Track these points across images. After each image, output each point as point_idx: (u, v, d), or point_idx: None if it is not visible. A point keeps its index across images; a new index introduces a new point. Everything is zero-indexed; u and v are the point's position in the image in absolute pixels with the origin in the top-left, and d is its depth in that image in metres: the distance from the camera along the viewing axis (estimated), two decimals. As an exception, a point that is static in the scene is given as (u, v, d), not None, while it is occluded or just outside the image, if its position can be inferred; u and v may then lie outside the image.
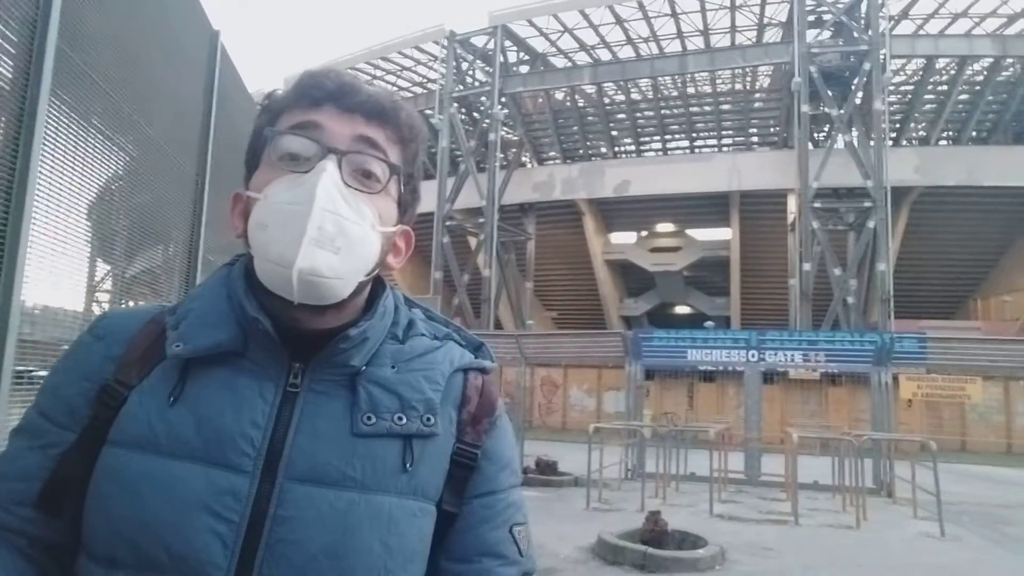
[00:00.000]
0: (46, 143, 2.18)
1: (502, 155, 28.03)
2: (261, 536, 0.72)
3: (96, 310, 3.19)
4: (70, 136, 2.44)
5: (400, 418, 0.79)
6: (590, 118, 31.37)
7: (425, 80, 31.31)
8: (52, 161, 2.28)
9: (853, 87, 22.67)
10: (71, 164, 2.46)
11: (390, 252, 0.86)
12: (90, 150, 2.62)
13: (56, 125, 2.28)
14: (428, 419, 0.81)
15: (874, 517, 9.04)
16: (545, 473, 11.57)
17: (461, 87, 28.24)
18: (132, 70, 2.88)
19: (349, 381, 0.80)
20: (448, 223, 27.00)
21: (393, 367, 0.83)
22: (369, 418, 0.78)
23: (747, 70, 27.87)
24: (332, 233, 0.75)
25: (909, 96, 28.34)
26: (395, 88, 32.09)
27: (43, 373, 2.27)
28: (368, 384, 0.80)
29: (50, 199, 2.28)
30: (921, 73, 26.76)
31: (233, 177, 3.70)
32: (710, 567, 6.57)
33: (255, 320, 0.78)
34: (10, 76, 2.06)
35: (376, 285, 0.88)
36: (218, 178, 3.89)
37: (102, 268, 3.30)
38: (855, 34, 23.41)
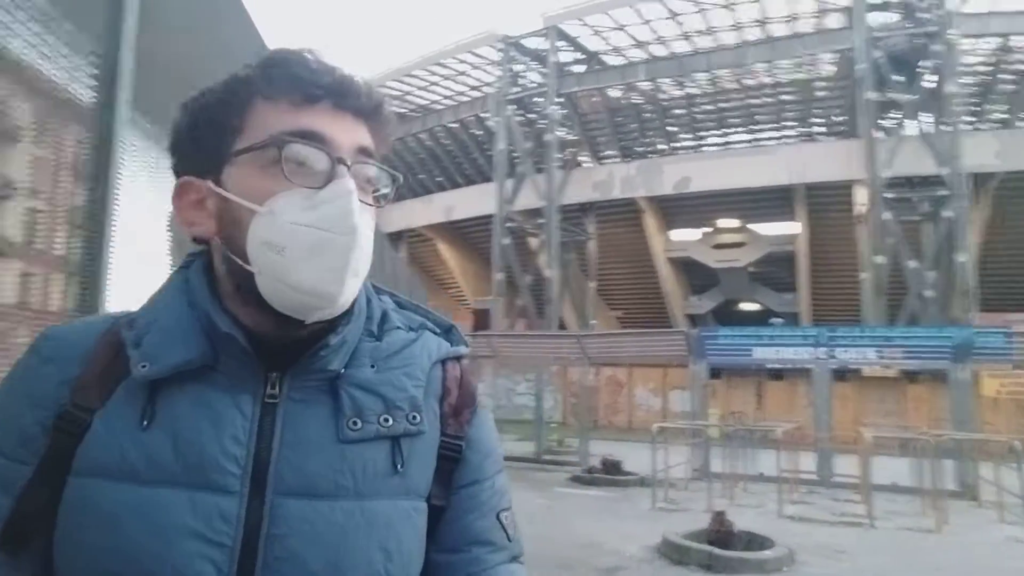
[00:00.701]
0: (122, 163, 2.33)
1: (560, 155, 28.01)
2: (257, 557, 0.69)
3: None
4: (146, 157, 2.61)
5: (386, 419, 0.77)
6: (647, 115, 31.00)
7: (481, 84, 31.56)
8: (128, 181, 2.44)
9: (923, 70, 21.72)
10: (145, 184, 2.62)
11: None
12: (163, 170, 2.79)
13: (131, 147, 2.44)
14: (414, 417, 0.79)
15: (956, 521, 8.65)
16: (610, 473, 11.54)
17: (516, 89, 28.36)
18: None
19: (329, 386, 0.77)
20: (508, 225, 27.13)
21: (373, 366, 0.79)
22: (355, 423, 0.75)
23: (808, 59, 27.04)
24: (362, 258, 0.74)
25: (986, 77, 26.92)
26: (451, 92, 32.59)
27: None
28: (350, 387, 0.77)
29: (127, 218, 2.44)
30: (997, 53, 25.39)
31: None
32: (777, 569, 6.46)
33: (229, 336, 0.74)
34: (93, 101, 2.22)
35: None
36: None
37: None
38: (922, 15, 22.42)
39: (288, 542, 0.70)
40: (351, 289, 0.74)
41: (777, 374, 18.12)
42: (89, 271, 2.20)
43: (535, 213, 26.91)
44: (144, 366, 0.72)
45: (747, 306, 30.37)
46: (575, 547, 7.22)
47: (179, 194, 0.79)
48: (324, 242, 0.71)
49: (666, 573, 6.52)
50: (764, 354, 13.51)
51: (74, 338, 0.78)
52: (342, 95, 0.76)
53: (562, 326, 26.27)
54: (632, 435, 14.75)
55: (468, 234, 32.82)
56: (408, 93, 33.11)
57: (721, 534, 6.97)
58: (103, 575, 0.68)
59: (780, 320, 23.90)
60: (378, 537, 0.73)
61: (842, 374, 16.22)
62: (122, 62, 2.22)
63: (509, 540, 0.85)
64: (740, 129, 33.03)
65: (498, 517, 0.85)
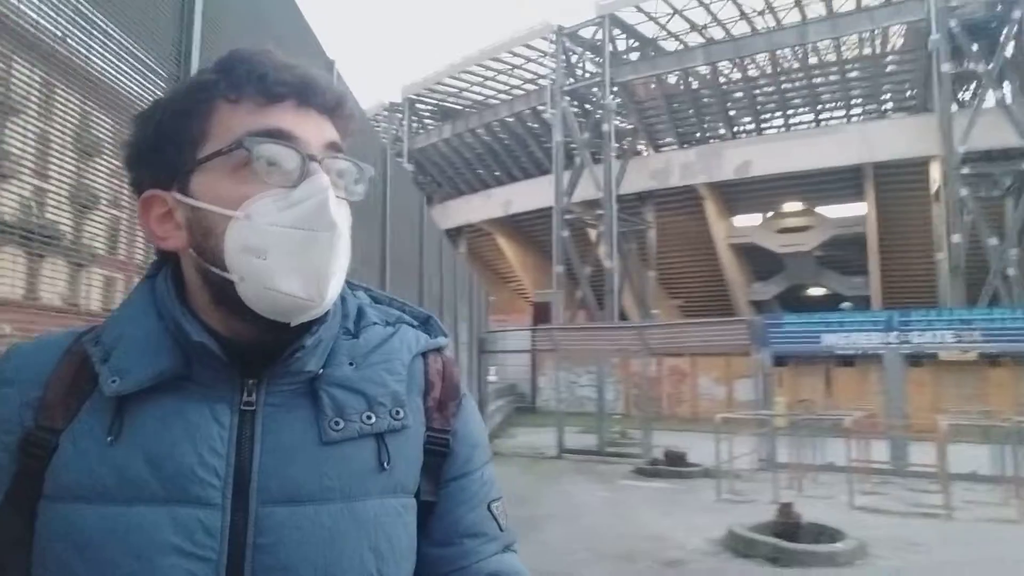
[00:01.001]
0: None
1: (617, 145, 27.78)
2: (243, 569, 0.68)
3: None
4: None
5: (369, 417, 0.75)
6: (705, 100, 30.38)
7: (536, 76, 31.55)
8: None
9: (1002, 38, 20.57)
10: None
11: None
12: None
13: None
14: (397, 412, 0.77)
15: (1042, 511, 8.25)
16: (674, 464, 11.43)
17: (572, 80, 28.24)
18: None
19: (308, 388, 0.75)
20: (567, 217, 27.11)
21: (352, 364, 0.78)
22: (337, 423, 0.74)
23: (876, 32, 25.94)
24: (344, 252, 0.73)
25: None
26: (506, 87, 32.67)
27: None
28: (329, 387, 0.76)
29: None
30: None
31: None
32: (849, 562, 6.28)
33: (201, 345, 0.72)
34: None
35: None
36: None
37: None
38: (1002, -21, 21.23)
39: (276, 551, 0.68)
40: (336, 286, 0.73)
41: (847, 360, 17.54)
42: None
43: (593, 204, 26.80)
44: (115, 381, 0.71)
45: (814, 291, 29.52)
46: (638, 539, 7.21)
47: (145, 209, 0.77)
48: (306, 241, 0.69)
49: (731, 566, 6.44)
50: (832, 340, 13.14)
51: (36, 357, 0.76)
52: (305, 92, 0.74)
53: (623, 317, 26.11)
54: (696, 426, 14.55)
55: (527, 228, 32.93)
56: (464, 89, 33.41)
57: (788, 526, 6.84)
58: None
59: (849, 305, 23.16)
60: (368, 538, 0.72)
61: (917, 359, 15.59)
62: (191, 67, 2.36)
63: (501, 530, 0.85)
64: (804, 109, 32.04)
65: (489, 508, 0.84)
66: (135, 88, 2.29)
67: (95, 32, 2.07)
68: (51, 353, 0.76)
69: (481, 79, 32.26)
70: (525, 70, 31.75)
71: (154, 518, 0.67)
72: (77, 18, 1.99)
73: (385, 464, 0.75)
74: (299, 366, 0.75)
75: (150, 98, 2.35)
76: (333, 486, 0.72)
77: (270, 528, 0.69)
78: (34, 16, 1.81)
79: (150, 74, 2.34)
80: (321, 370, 0.76)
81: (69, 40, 2.00)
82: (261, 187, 0.70)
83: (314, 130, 0.74)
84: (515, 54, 30.45)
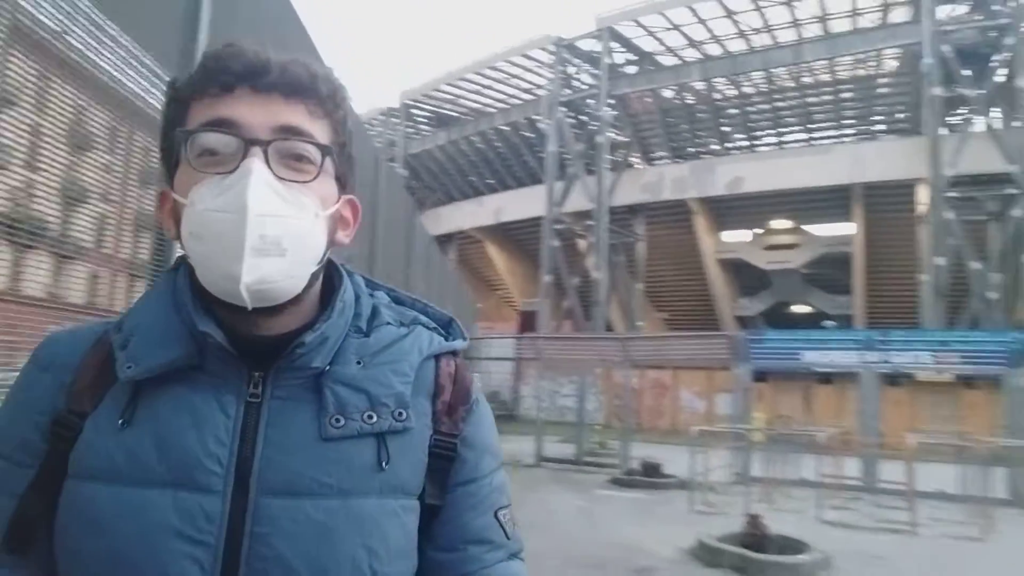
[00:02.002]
0: None
1: (610, 157, 27.99)
2: (240, 556, 0.70)
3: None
4: None
5: (370, 416, 0.76)
6: (700, 115, 30.69)
7: (533, 86, 31.77)
8: None
9: (993, 65, 20.93)
10: None
11: (338, 229, 0.82)
12: None
13: None
14: (400, 414, 0.78)
15: (1006, 530, 8.41)
16: (650, 475, 11.56)
17: (568, 91, 28.46)
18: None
19: (313, 384, 0.77)
20: (557, 227, 27.28)
21: (359, 363, 0.79)
22: (337, 420, 0.75)
23: (870, 54, 26.30)
24: (275, 236, 0.71)
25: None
26: (503, 95, 32.85)
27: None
28: (334, 385, 0.77)
29: None
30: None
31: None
32: (812, 573, 6.41)
33: (205, 335, 0.74)
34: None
35: (333, 275, 0.85)
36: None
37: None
38: (994, 7, 21.60)
39: (271, 541, 0.70)
40: (262, 269, 0.71)
41: (826, 378, 17.75)
42: (155, 272, 2.40)
43: (584, 215, 26.99)
44: (129, 367, 0.74)
45: (799, 308, 29.79)
46: (610, 548, 7.31)
47: (159, 204, 0.82)
48: (227, 223, 0.70)
49: (698, 575, 6.57)
50: (812, 357, 13.31)
51: (69, 346, 0.80)
52: (255, 75, 0.74)
53: (609, 328, 26.26)
54: (675, 438, 14.68)
55: (517, 236, 33.09)
56: (461, 97, 33.57)
57: (755, 537, 6.95)
58: (93, 574, 0.70)
59: (832, 323, 23.38)
60: (362, 535, 0.73)
61: (895, 379, 15.79)
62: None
63: (508, 538, 0.85)
64: (796, 128, 32.36)
65: (496, 515, 0.84)
66: (134, 85, 2.38)
67: (104, 38, 2.16)
68: (83, 341, 0.80)
69: (478, 87, 32.45)
70: (522, 80, 31.96)
71: (160, 501, 0.70)
72: (86, 23, 2.08)
73: (384, 464, 0.76)
74: (304, 362, 0.77)
75: (149, 96, 2.45)
76: (330, 482, 0.73)
77: (267, 518, 0.71)
78: (44, 19, 1.91)
79: (155, 79, 2.43)
80: (328, 367, 0.78)
81: (69, 38, 2.09)
82: (201, 176, 0.73)
83: (264, 115, 0.74)
84: (513, 64, 30.66)
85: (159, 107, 2.43)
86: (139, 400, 0.74)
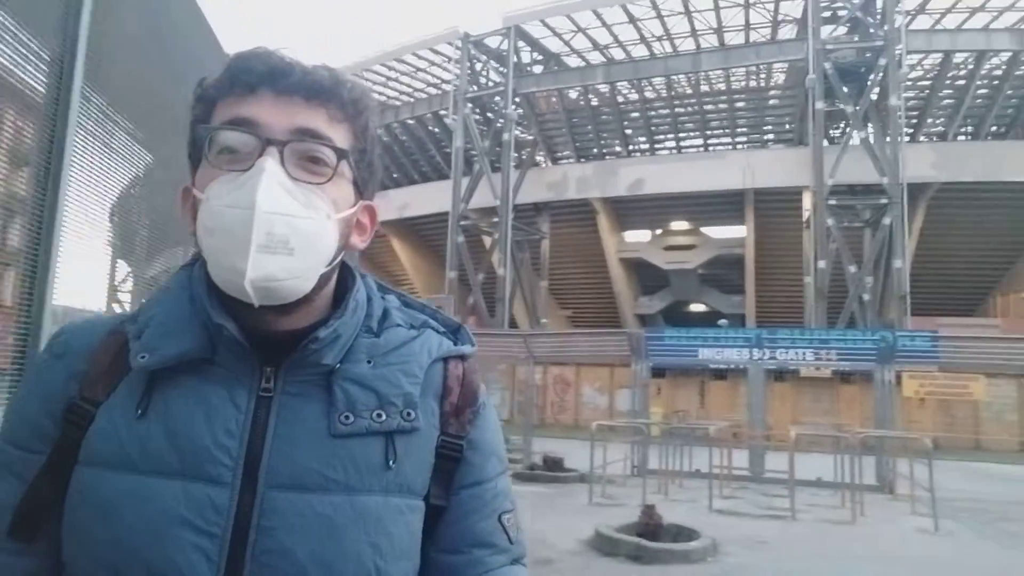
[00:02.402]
0: (74, 160, 2.36)
1: (516, 155, 28.22)
2: (246, 548, 0.70)
3: (117, 310, 3.39)
4: (95, 153, 2.65)
5: (379, 415, 0.77)
6: (604, 117, 31.45)
7: (440, 81, 31.59)
8: (79, 172, 2.46)
9: (869, 83, 22.55)
10: (96, 175, 2.67)
11: (353, 233, 0.83)
12: (112, 164, 2.85)
13: (83, 143, 2.48)
14: (408, 414, 0.79)
15: (872, 513, 9.14)
16: (551, 469, 11.77)
17: (475, 88, 28.47)
18: (151, 100, 3.16)
19: (324, 380, 0.78)
20: (463, 223, 27.26)
21: (369, 362, 0.80)
22: (347, 417, 0.76)
23: (761, 67, 27.79)
24: (283, 235, 0.71)
25: (927, 91, 28.05)
26: (409, 89, 32.47)
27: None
28: (344, 382, 0.78)
29: (77, 205, 2.44)
30: (939, 68, 26.48)
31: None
32: (702, 559, 6.73)
33: (220, 327, 0.75)
34: (43, 91, 2.24)
35: (346, 276, 0.86)
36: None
37: (123, 269, 3.55)
38: (871, 30, 23.29)
39: (277, 534, 0.71)
40: (268, 267, 0.71)
41: (720, 374, 18.65)
42: (30, 261, 2.17)
43: (490, 212, 27.09)
44: (143, 357, 0.75)
45: (696, 307, 31.06)
46: (510, 540, 7.40)
47: (180, 200, 0.82)
48: (233, 218, 0.71)
49: (596, 564, 6.74)
50: (707, 354, 13.94)
51: (84, 335, 0.81)
52: (277, 77, 0.76)
53: (513, 324, 26.49)
54: (578, 433, 15.03)
55: (422, 231, 32.84)
56: (366, 89, 32.87)
57: (650, 527, 7.23)
58: (101, 566, 0.70)
59: (726, 322, 24.58)
60: (367, 532, 0.73)
61: (781, 374, 16.78)
62: (78, 50, 2.23)
63: (511, 542, 0.85)
64: (694, 134, 33.72)
65: (500, 519, 0.85)
66: (11, 67, 2.19)
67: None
68: (97, 331, 0.81)
69: (384, 79, 31.94)
70: (429, 74, 31.73)
71: (169, 491, 0.71)
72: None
73: (391, 463, 0.76)
74: (316, 358, 0.77)
75: (20, 70, 2.25)
76: (337, 478, 0.74)
77: (274, 511, 0.71)
78: None
79: (32, 56, 2.24)
80: (339, 365, 0.79)
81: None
82: (219, 173, 0.75)
83: (284, 116, 0.75)
84: (420, 57, 30.37)
85: (33, 83, 2.26)
86: (154, 390, 0.75)
